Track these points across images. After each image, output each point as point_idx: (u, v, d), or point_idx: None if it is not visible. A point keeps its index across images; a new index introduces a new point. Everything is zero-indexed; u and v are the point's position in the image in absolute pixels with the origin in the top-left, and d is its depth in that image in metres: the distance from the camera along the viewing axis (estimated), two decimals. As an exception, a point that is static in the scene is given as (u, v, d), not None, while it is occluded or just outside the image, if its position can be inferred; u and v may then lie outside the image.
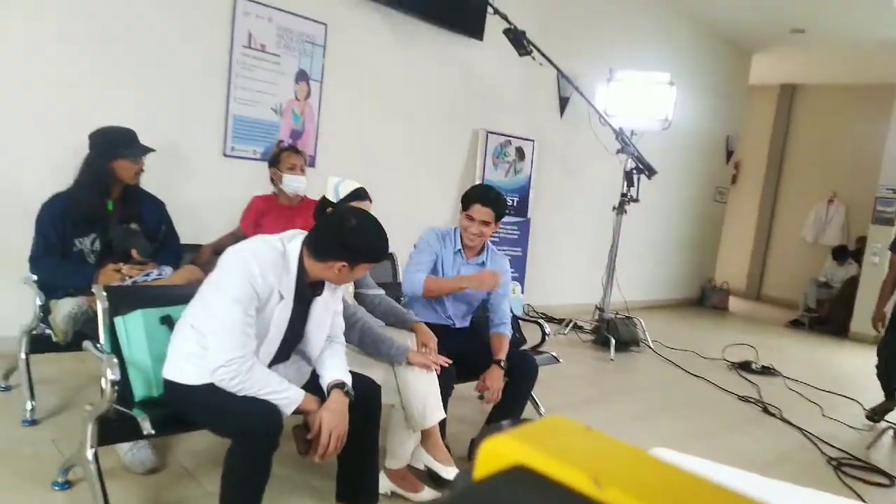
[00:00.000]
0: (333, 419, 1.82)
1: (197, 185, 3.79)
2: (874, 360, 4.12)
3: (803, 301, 8.25)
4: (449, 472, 2.24)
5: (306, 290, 1.90)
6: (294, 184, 3.17)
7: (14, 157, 3.18)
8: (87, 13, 3.31)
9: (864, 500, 2.82)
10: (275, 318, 1.82)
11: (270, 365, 1.87)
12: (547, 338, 3.25)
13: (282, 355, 1.93)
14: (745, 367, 5.04)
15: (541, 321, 3.39)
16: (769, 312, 8.90)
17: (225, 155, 3.92)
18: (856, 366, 5.94)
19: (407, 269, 2.71)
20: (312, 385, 1.95)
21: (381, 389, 2.23)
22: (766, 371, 4.99)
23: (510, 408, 2.61)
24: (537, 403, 3.17)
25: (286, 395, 1.79)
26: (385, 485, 2.29)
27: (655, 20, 6.93)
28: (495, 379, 2.55)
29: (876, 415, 4.01)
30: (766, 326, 7.71)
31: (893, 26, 6.73)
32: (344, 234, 1.81)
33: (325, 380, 1.96)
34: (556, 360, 3.17)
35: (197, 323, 1.81)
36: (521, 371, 2.66)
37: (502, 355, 2.62)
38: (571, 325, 5.47)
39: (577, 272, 6.40)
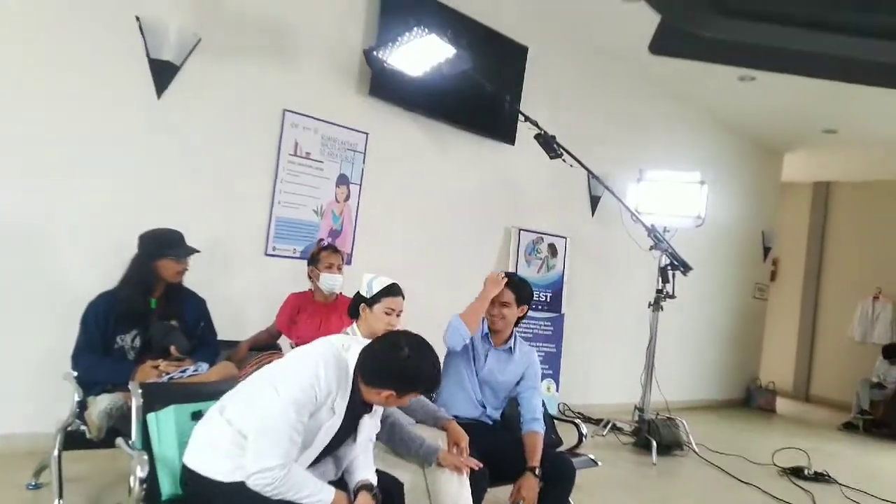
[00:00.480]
0: None
1: (238, 282, 3.90)
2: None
3: (856, 402, 7.79)
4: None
5: (358, 407, 1.87)
6: (330, 282, 3.24)
7: (63, 255, 3.34)
8: (150, 126, 3.57)
9: None
10: (322, 429, 1.80)
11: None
12: (584, 439, 3.13)
13: (317, 462, 1.89)
14: (797, 473, 4.72)
15: (577, 421, 3.27)
16: (819, 414, 8.41)
17: (266, 254, 4.05)
18: (921, 475, 5.50)
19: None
20: (338, 481, 1.91)
21: (411, 492, 2.16)
22: (821, 478, 4.66)
23: (547, 516, 2.48)
24: (575, 511, 2.99)
25: (319, 497, 1.74)
26: None
27: (684, 122, 7.12)
28: (530, 489, 2.43)
29: None
30: (817, 429, 7.27)
31: (923, 123, 6.78)
32: (397, 364, 1.80)
33: (354, 479, 1.91)
34: (595, 462, 3.02)
35: (236, 419, 1.78)
36: (557, 476, 2.54)
37: (536, 460, 2.51)
38: (610, 425, 5.25)
39: (614, 370, 6.22)
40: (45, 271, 3.29)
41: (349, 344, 1.88)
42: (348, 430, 1.90)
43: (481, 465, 2.21)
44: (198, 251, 2.77)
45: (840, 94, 6.14)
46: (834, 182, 9.88)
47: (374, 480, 1.91)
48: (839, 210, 9.82)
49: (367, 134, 4.48)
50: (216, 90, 3.80)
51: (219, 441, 1.79)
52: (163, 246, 2.67)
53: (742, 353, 8.22)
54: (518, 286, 2.76)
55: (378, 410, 2.00)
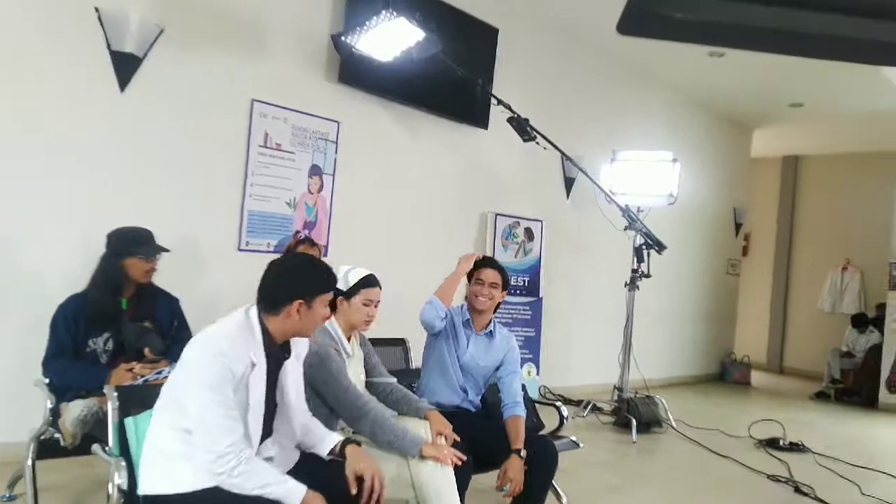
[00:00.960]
0: (368, 462, 1.87)
1: (212, 279, 3.83)
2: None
3: (827, 372, 8.01)
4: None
5: (278, 352, 1.87)
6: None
7: (30, 258, 3.24)
8: (114, 119, 3.47)
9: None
10: (253, 388, 1.76)
11: (260, 443, 1.82)
12: (565, 421, 3.16)
13: (267, 429, 1.86)
14: (772, 444, 4.84)
15: (558, 404, 3.30)
16: (792, 385, 8.63)
17: (240, 249, 3.98)
18: (889, 438, 5.68)
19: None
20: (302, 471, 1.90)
21: (395, 483, 2.15)
22: (795, 447, 4.79)
23: (531, 499, 2.50)
24: (559, 493, 3.03)
25: (287, 485, 1.72)
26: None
27: (655, 101, 7.16)
28: (516, 471, 2.45)
29: None
30: (791, 400, 7.46)
31: (888, 97, 6.91)
32: (286, 275, 1.85)
33: (326, 446, 1.97)
34: (577, 444, 3.06)
35: (172, 421, 1.73)
36: (541, 459, 2.56)
37: (520, 443, 2.53)
38: (590, 406, 5.32)
39: (592, 351, 6.29)
40: (12, 275, 3.19)
41: (250, 304, 1.87)
42: (275, 380, 1.88)
43: (465, 459, 2.21)
44: (167, 250, 2.71)
45: (806, 69, 6.22)
46: (802, 156, 10.06)
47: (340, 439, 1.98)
48: (808, 183, 10.01)
49: (338, 122, 4.42)
50: (181, 82, 3.70)
51: (168, 448, 1.72)
52: (130, 244, 2.61)
53: (717, 328, 8.38)
54: (503, 270, 2.82)
55: (298, 356, 1.98)
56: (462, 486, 2.22)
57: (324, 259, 3.51)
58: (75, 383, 2.44)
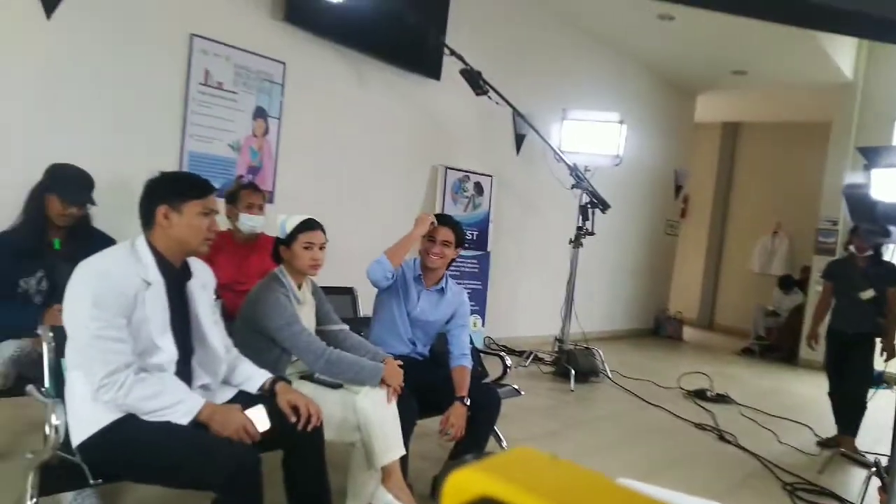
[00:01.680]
0: (298, 394, 1.91)
1: (149, 221, 3.69)
2: (824, 385, 4.27)
3: (754, 329, 8.50)
4: (410, 510, 2.19)
5: (176, 273, 1.85)
6: (250, 223, 3.14)
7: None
8: (42, 50, 3.24)
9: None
10: (149, 306, 1.73)
11: (184, 362, 1.82)
12: (508, 370, 3.26)
13: (185, 349, 1.84)
14: (700, 395, 5.13)
15: (502, 354, 3.39)
16: (721, 341, 9.12)
17: (179, 191, 3.84)
18: (806, 391, 6.12)
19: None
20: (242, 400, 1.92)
21: (341, 426, 2.19)
22: (721, 399, 5.10)
23: (473, 442, 2.58)
24: (500, 437, 3.14)
25: (183, 404, 1.70)
26: (347, 526, 2.22)
27: (605, 62, 7.21)
28: (459, 416, 2.53)
29: (827, 446, 4.10)
30: (719, 355, 7.90)
31: (825, 70, 7.18)
32: (148, 187, 1.84)
33: (255, 383, 1.98)
34: (518, 392, 3.17)
35: (71, 362, 1.73)
36: (484, 405, 2.65)
37: (465, 391, 2.60)
38: (532, 357, 5.49)
39: (536, 304, 6.46)
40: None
41: (135, 236, 1.85)
42: (180, 304, 1.86)
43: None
44: (91, 202, 2.54)
45: (751, 38, 6.37)
46: (742, 123, 10.40)
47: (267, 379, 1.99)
48: (746, 150, 10.39)
49: (284, 64, 4.27)
50: (114, 10, 3.48)
51: (79, 391, 1.71)
52: (56, 182, 2.47)
53: (653, 285, 8.71)
54: (457, 227, 2.79)
55: (203, 284, 1.95)
56: (407, 430, 2.28)
57: (268, 206, 3.44)
58: (6, 323, 2.33)
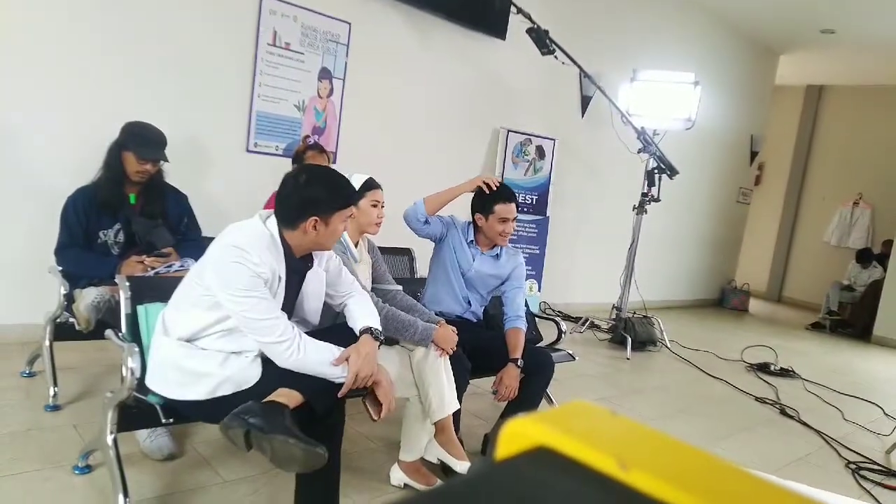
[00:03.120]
0: (359, 359, 1.82)
1: (220, 179, 3.83)
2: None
3: (825, 304, 8.12)
4: (462, 465, 2.24)
5: (298, 266, 1.89)
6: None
7: (43, 151, 3.24)
8: (118, 12, 3.36)
9: (882, 505, 2.78)
10: (276, 299, 1.81)
11: None
12: (563, 335, 3.24)
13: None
14: (763, 368, 4.98)
15: (557, 319, 3.37)
16: (790, 315, 8.77)
17: (248, 150, 3.95)
18: (878, 370, 5.84)
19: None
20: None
21: (397, 382, 2.24)
22: (785, 373, 4.93)
23: (525, 404, 2.60)
24: (552, 401, 3.16)
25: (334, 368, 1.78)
26: (398, 476, 2.31)
27: (680, 19, 6.86)
28: (512, 378, 2.55)
29: None
30: (787, 329, 7.60)
31: (924, 26, 6.60)
32: (300, 191, 1.80)
33: (356, 329, 1.96)
34: (572, 357, 3.15)
35: (190, 326, 1.78)
36: (537, 368, 2.65)
37: (519, 353, 2.61)
38: (588, 323, 5.44)
39: (595, 271, 6.37)
40: (25, 167, 3.20)
41: (268, 213, 1.86)
42: (295, 292, 1.92)
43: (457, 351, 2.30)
44: (164, 159, 2.65)
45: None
46: (827, 86, 9.74)
47: (375, 324, 1.95)
48: (829, 115, 9.74)
49: (349, 24, 4.27)
50: (188, -29, 3.55)
51: (185, 363, 1.77)
52: (131, 139, 2.58)
53: (720, 255, 8.41)
54: (516, 197, 2.78)
55: (321, 262, 1.99)
56: (460, 388, 2.32)
57: (333, 166, 3.49)
58: (87, 272, 2.50)
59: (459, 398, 2.31)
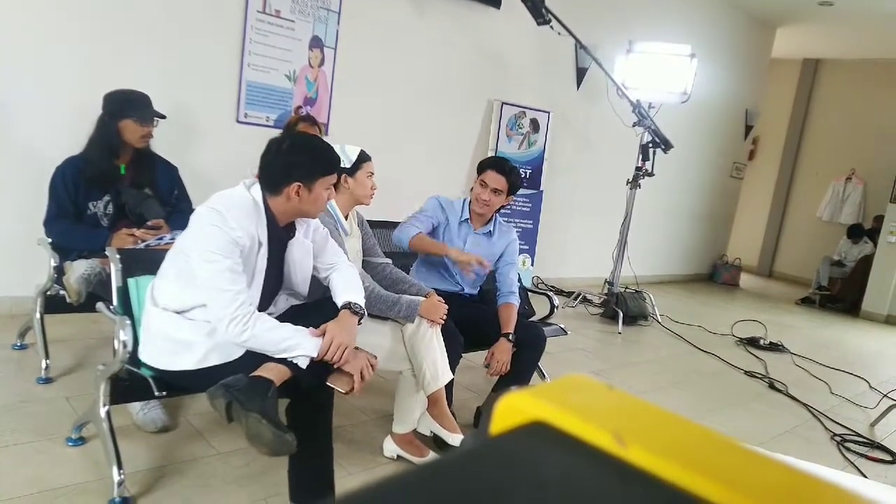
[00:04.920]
0: (338, 331, 1.80)
1: (210, 150, 3.78)
2: (886, 338, 4.11)
3: (815, 279, 8.18)
4: (454, 438, 2.27)
5: (281, 234, 1.88)
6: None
7: (30, 120, 3.19)
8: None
9: (864, 476, 2.84)
10: (257, 266, 1.81)
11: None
12: (555, 310, 3.26)
13: (267, 301, 1.92)
14: (752, 342, 5.03)
15: (549, 293, 3.38)
16: (780, 289, 8.84)
17: (238, 121, 3.90)
18: (865, 344, 5.91)
19: (402, 223, 2.72)
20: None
21: (391, 357, 2.25)
22: (774, 347, 4.98)
23: (517, 377, 2.62)
24: (544, 374, 3.18)
25: (298, 341, 1.73)
26: (391, 448, 2.34)
27: (676, -11, 6.76)
28: (504, 352, 2.56)
29: None
30: (777, 303, 7.67)
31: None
32: (283, 157, 1.79)
33: (338, 304, 1.95)
34: (564, 331, 3.17)
35: (175, 303, 1.78)
36: (529, 342, 2.67)
37: (511, 328, 2.62)
38: (580, 297, 5.47)
39: (588, 246, 6.37)
40: (12, 139, 3.15)
41: (252, 181, 1.85)
42: (279, 262, 1.91)
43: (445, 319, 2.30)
44: (162, 116, 2.64)
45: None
46: (823, 59, 9.67)
47: (358, 300, 1.92)
48: (824, 89, 9.69)
49: (341, -9, 4.18)
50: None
51: (176, 335, 1.78)
52: (125, 107, 2.54)
53: (713, 230, 8.43)
54: (512, 175, 2.69)
55: (305, 231, 1.98)
56: (453, 361, 2.33)
57: (325, 138, 3.45)
58: (77, 244, 2.47)
59: (452, 371, 2.32)
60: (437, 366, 2.24)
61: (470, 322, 2.53)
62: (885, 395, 4.06)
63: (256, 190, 1.83)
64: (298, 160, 1.81)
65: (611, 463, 0.32)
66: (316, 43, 4.14)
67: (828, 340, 5.88)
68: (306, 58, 4.11)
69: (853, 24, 7.84)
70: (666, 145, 4.93)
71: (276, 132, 3.45)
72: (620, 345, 4.63)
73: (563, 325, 3.18)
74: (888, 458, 3.12)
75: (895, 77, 8.51)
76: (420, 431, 2.36)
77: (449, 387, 2.32)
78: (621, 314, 4.94)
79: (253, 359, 1.74)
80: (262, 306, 1.89)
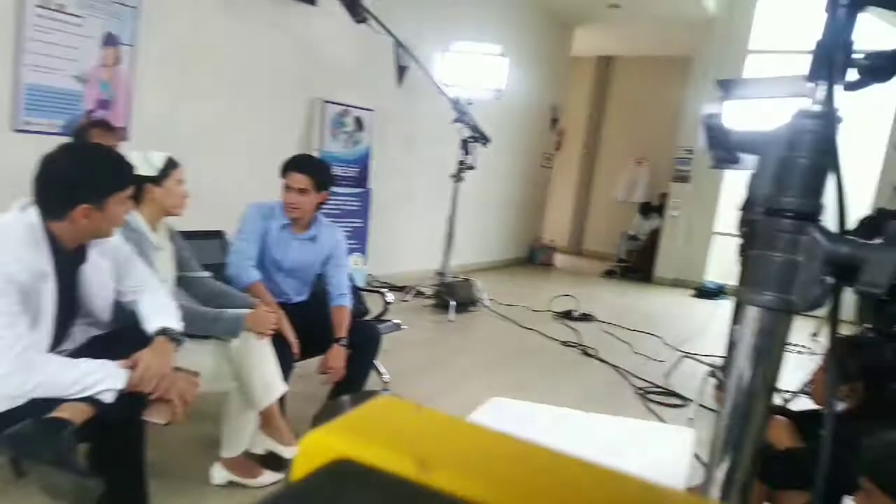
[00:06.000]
0: (151, 359, 1.65)
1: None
2: (673, 300, 4.79)
3: (617, 253, 9.21)
4: (290, 451, 2.21)
5: (70, 259, 1.67)
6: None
7: None
8: None
9: (662, 420, 3.30)
10: (44, 299, 1.59)
11: (53, 350, 1.64)
12: (389, 306, 3.32)
13: (61, 335, 1.71)
14: (567, 315, 5.56)
15: (383, 290, 3.44)
16: (589, 265, 9.80)
17: (15, 130, 3.42)
18: (658, 306, 6.81)
19: (234, 251, 2.59)
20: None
21: (214, 377, 2.11)
22: (585, 318, 5.55)
23: (353, 380, 2.62)
24: (380, 371, 3.23)
25: (101, 376, 1.55)
26: (221, 475, 2.21)
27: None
28: (337, 358, 2.54)
29: None
30: (586, 278, 8.51)
31: (691, 4, 7.55)
32: (61, 177, 1.58)
33: (150, 331, 1.79)
34: (399, 327, 3.25)
35: None
36: (363, 343, 2.67)
37: (343, 332, 2.60)
38: (413, 291, 5.62)
39: (419, 239, 6.55)
40: None
41: (25, 202, 1.61)
42: (70, 290, 1.71)
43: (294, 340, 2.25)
44: None
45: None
46: (615, 56, 10.83)
47: (172, 324, 1.79)
48: (617, 84, 10.89)
49: (137, -16, 3.84)
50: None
51: None
52: None
53: (528, 216, 9.11)
54: (315, 170, 2.59)
55: (101, 251, 1.78)
56: (285, 371, 2.27)
57: (125, 144, 3.17)
58: None
59: (285, 381, 2.27)
60: (267, 379, 2.16)
61: (302, 329, 2.46)
62: (676, 349, 4.73)
63: (33, 213, 1.58)
64: (81, 179, 1.59)
65: (414, 491, 0.32)
66: (110, 40, 3.76)
67: (628, 306, 6.66)
68: (98, 57, 3.73)
69: (638, 24, 8.88)
70: (484, 139, 5.24)
71: (67, 139, 3.10)
72: (453, 332, 4.86)
73: (398, 321, 3.26)
74: (680, 402, 3.65)
75: (672, 72, 9.73)
76: (254, 452, 2.26)
77: (282, 399, 2.27)
78: (452, 303, 5.17)
79: (44, 400, 1.53)
80: (55, 344, 1.68)
